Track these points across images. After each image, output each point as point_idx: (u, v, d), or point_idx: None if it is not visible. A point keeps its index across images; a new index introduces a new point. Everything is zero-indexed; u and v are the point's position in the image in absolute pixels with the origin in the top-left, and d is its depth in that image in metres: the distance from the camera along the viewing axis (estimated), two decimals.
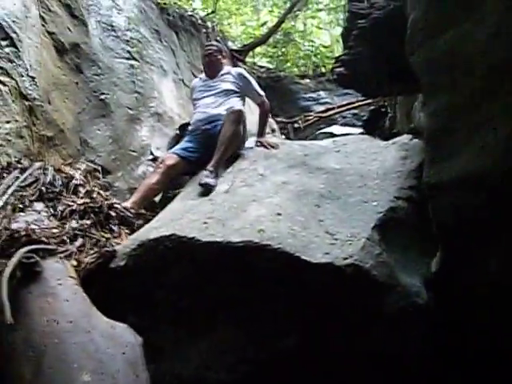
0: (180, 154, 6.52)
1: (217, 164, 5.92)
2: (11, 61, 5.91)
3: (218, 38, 13.43)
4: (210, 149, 6.17)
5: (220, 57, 7.07)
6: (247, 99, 7.08)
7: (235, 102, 6.74)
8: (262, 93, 7.07)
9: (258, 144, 6.59)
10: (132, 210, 5.72)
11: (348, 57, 6.23)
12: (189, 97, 7.36)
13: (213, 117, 6.59)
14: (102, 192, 5.74)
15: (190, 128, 6.84)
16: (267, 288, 4.40)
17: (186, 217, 4.84)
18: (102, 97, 7.66)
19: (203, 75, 7.20)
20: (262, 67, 16.82)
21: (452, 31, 4.08)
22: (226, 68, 7.13)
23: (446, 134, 4.25)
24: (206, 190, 5.50)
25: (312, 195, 5.22)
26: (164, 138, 8.24)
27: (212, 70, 7.01)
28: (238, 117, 6.23)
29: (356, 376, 4.37)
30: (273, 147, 6.44)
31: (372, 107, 11.70)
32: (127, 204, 5.80)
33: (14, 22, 6.07)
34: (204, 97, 6.89)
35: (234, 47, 15.13)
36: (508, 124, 3.68)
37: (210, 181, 5.59)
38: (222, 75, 6.97)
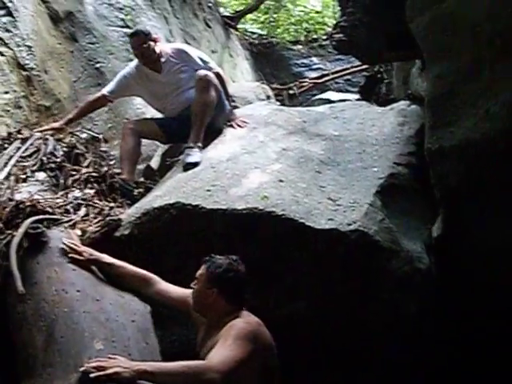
0: (155, 118, 6.52)
1: (196, 138, 5.74)
2: (8, 30, 5.90)
3: (210, 4, 13.30)
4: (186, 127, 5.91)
5: (150, 43, 6.14)
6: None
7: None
8: (209, 60, 6.48)
9: (228, 124, 6.25)
10: (131, 183, 5.71)
11: (346, 23, 6.19)
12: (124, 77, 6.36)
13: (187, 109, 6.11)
14: (103, 161, 5.74)
15: (169, 116, 6.44)
16: (271, 255, 4.44)
17: (189, 185, 4.84)
18: (98, 65, 7.62)
19: (139, 63, 6.28)
20: (253, 33, 16.70)
21: None
22: (163, 51, 6.27)
23: (447, 99, 4.26)
24: (189, 169, 5.33)
25: (312, 162, 5.24)
26: None
27: (149, 61, 6.18)
28: (207, 83, 5.85)
29: (358, 341, 4.43)
30: (240, 126, 6.16)
31: (367, 73, 11.68)
32: (124, 177, 5.74)
33: None
34: (164, 94, 6.28)
35: (226, 13, 15.00)
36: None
37: (192, 159, 5.43)
38: (166, 65, 6.22)
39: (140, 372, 3.06)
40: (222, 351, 3.30)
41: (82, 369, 3.11)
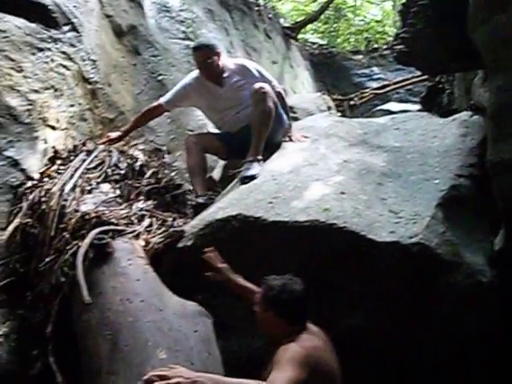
0: (216, 133, 6.46)
1: (255, 151, 5.66)
2: (73, 45, 6.00)
3: (270, 15, 13.37)
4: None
5: (214, 58, 6.08)
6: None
7: None
8: (271, 78, 6.36)
9: (287, 140, 6.18)
10: (206, 198, 5.66)
11: (407, 34, 6.15)
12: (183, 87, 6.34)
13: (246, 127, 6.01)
14: (166, 172, 5.81)
15: (227, 131, 6.35)
16: (332, 267, 4.45)
17: (251, 197, 4.88)
18: (160, 78, 7.74)
19: (200, 75, 6.24)
20: (313, 44, 16.74)
21: None
22: (226, 66, 6.22)
23: (510, 110, 4.22)
24: (247, 182, 5.30)
25: (374, 174, 5.23)
26: None
27: (212, 76, 6.15)
28: (263, 95, 5.74)
29: (416, 355, 4.40)
30: (299, 141, 6.10)
31: (429, 83, 11.57)
32: (200, 193, 5.77)
33: (74, 6, 6.16)
34: (224, 109, 6.21)
35: (286, 24, 15.05)
36: None
37: (250, 172, 5.39)
38: (229, 80, 6.17)
39: None
40: (279, 375, 3.25)
41: (145, 378, 3.17)
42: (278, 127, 6.03)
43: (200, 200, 5.56)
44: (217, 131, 6.57)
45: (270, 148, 5.85)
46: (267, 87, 5.84)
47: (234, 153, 6.21)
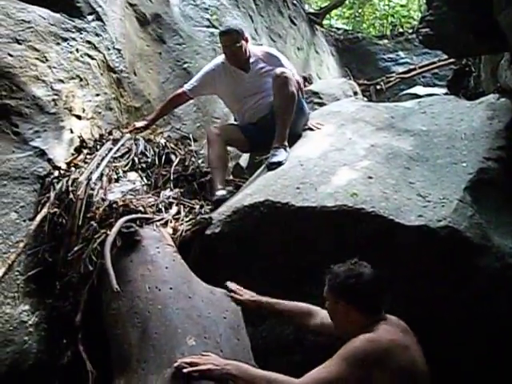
0: (239, 125, 6.34)
1: (281, 137, 5.56)
2: (98, 34, 6.00)
3: (295, 1, 13.30)
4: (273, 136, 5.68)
5: (241, 43, 6.00)
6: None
7: None
8: (292, 69, 6.18)
9: (306, 128, 6.10)
10: (225, 192, 5.50)
11: (433, 17, 6.08)
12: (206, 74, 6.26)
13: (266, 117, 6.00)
14: (193, 160, 5.81)
15: (247, 121, 6.25)
16: (360, 252, 4.41)
17: (278, 182, 4.85)
18: (185, 65, 7.73)
19: (226, 60, 6.17)
20: (338, 29, 16.64)
21: None
22: (253, 52, 6.16)
23: None
24: (275, 168, 5.23)
25: (401, 158, 5.18)
26: None
27: (238, 61, 6.08)
28: (284, 79, 5.63)
29: (445, 339, 4.36)
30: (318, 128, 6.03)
31: (455, 67, 11.45)
32: (219, 187, 5.57)
33: None
34: (246, 96, 6.13)
35: (311, 10, 14.98)
36: None
37: (277, 158, 5.32)
38: (254, 66, 6.11)
39: (228, 373, 3.11)
40: (319, 370, 3.13)
41: (175, 364, 3.18)
42: (301, 116, 5.97)
43: (219, 194, 5.43)
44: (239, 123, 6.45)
45: (292, 138, 5.74)
46: (288, 72, 5.76)
47: (256, 145, 6.16)
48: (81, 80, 5.60)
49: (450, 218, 4.30)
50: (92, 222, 4.55)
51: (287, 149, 5.52)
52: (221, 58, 6.22)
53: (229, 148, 6.32)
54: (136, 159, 5.38)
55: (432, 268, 4.31)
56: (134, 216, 4.54)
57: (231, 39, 5.98)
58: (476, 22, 5.65)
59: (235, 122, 6.50)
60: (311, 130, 6.00)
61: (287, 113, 5.63)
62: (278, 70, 5.73)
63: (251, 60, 6.09)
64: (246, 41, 6.05)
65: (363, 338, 3.20)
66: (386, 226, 4.34)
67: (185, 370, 3.13)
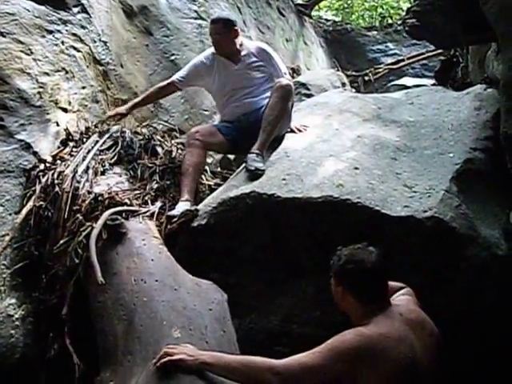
0: (219, 127, 6.01)
1: (263, 146, 5.33)
2: (83, 27, 5.97)
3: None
4: (250, 136, 5.51)
5: (231, 33, 5.90)
6: None
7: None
8: (285, 70, 6.07)
9: (289, 130, 5.85)
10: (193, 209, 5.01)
11: (419, 8, 6.09)
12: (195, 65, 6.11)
13: (256, 110, 5.80)
14: (180, 152, 5.78)
15: (225, 119, 6.10)
16: (346, 243, 4.41)
17: (264, 174, 4.86)
18: (172, 58, 7.68)
19: (215, 51, 6.04)
20: (327, 20, 16.59)
21: None
22: (245, 45, 6.03)
23: None
24: (256, 175, 4.98)
25: (388, 148, 5.20)
26: None
27: (227, 50, 5.94)
28: (288, 92, 5.52)
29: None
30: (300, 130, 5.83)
31: (443, 57, 11.46)
32: (186, 198, 5.19)
33: None
34: (232, 89, 5.97)
35: (299, 1, 14.93)
36: None
37: (259, 165, 5.06)
38: (245, 59, 5.95)
39: (201, 362, 3.05)
40: (304, 355, 3.01)
41: (154, 360, 3.16)
42: (287, 122, 5.78)
43: (180, 207, 5.02)
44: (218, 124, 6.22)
45: (274, 141, 5.55)
46: (292, 86, 5.70)
47: (235, 147, 5.95)
48: (66, 73, 5.57)
49: (435, 209, 4.32)
50: (78, 215, 4.55)
51: (265, 159, 5.28)
52: (212, 49, 6.15)
53: None
54: (122, 152, 5.36)
55: (418, 258, 4.33)
56: (119, 208, 4.55)
57: (215, 28, 5.91)
58: (462, 12, 5.66)
59: (215, 123, 6.40)
60: (293, 132, 5.81)
61: (276, 125, 5.47)
62: (285, 81, 5.60)
63: (242, 53, 5.96)
64: (236, 31, 5.94)
65: (353, 331, 3.07)
66: (372, 216, 4.35)
67: (157, 362, 3.12)
